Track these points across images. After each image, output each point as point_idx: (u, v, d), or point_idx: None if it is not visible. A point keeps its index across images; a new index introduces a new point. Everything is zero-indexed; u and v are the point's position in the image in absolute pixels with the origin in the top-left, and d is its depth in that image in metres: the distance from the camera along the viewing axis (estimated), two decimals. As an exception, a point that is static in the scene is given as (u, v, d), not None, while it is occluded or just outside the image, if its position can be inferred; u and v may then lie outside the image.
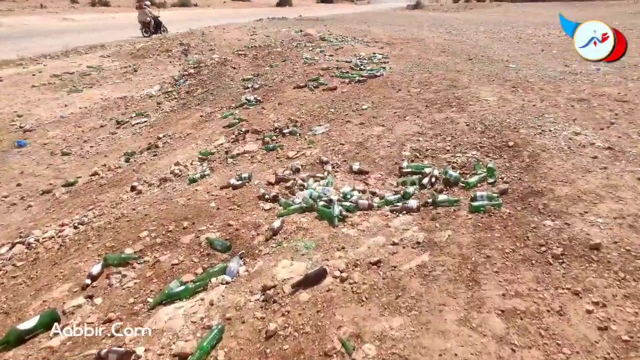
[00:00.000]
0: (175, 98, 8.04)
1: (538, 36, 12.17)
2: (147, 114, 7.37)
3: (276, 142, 4.75)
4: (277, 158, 4.37)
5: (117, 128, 6.98)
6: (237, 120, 5.70)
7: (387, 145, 4.18)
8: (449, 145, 3.96)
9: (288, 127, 5.08)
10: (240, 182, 3.80)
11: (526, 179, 3.11)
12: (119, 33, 16.35)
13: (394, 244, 2.49)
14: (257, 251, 2.65)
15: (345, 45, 10.65)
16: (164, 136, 6.05)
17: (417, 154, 3.91)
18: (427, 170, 3.50)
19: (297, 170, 3.94)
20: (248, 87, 7.36)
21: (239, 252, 2.66)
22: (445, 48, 9.95)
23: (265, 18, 19.76)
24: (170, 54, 12.19)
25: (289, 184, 3.66)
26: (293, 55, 9.22)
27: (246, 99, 6.63)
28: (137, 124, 6.95)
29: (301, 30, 13.88)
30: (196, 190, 3.81)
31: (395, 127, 4.56)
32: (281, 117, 5.53)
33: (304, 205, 3.15)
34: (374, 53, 9.40)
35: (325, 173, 3.78)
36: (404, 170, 3.60)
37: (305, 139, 4.69)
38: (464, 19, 20.65)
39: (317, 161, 4.04)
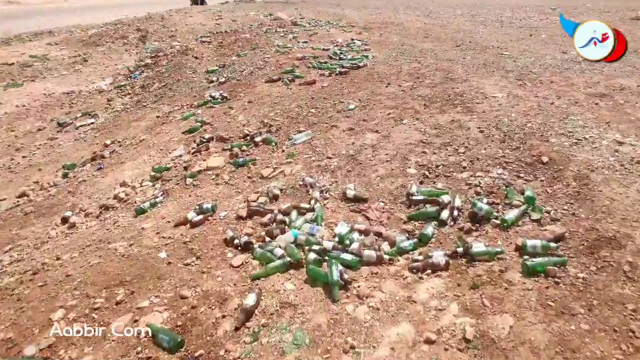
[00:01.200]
0: (129, 93, 6.89)
1: (519, 19, 11.46)
2: (94, 113, 6.22)
3: (247, 155, 3.81)
4: (249, 177, 3.43)
5: (57, 132, 5.83)
6: (200, 124, 4.69)
7: (385, 159, 3.31)
8: (465, 160, 3.12)
9: (261, 134, 4.12)
10: (200, 216, 2.86)
11: (583, 214, 2.31)
12: (71, 18, 14.72)
13: (430, 341, 1.63)
14: (222, 352, 1.73)
15: (319, 30, 9.63)
16: (112, 143, 4.98)
17: (426, 173, 3.06)
18: (444, 198, 2.65)
19: (275, 197, 3.02)
20: (213, 81, 6.30)
21: (195, 356, 1.74)
22: (427, 33, 9.09)
23: (231, 0, 18.32)
24: (126, 41, 10.86)
25: (265, 218, 2.74)
26: (263, 42, 8.15)
27: (210, 96, 5.61)
28: (81, 126, 5.81)
29: (271, 14, 12.72)
30: (143, 229, 2.84)
31: (392, 134, 3.69)
32: (252, 119, 4.57)
33: (287, 258, 2.26)
34: (352, 39, 8.44)
35: (312, 202, 2.88)
36: (414, 198, 2.74)
37: (283, 150, 3.76)
38: (437, 1, 19.80)
39: (300, 183, 3.14)
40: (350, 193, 2.90)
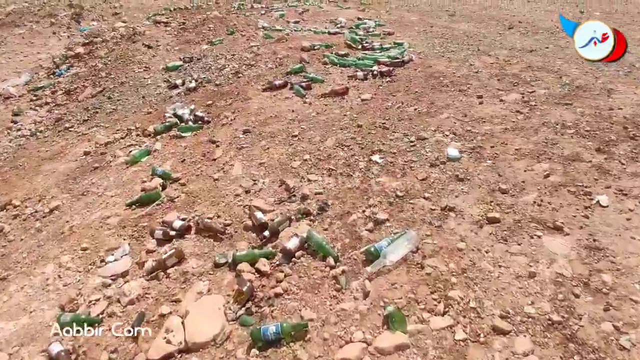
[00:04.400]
0: (47, 103, 4.38)
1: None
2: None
3: (273, 293, 1.61)
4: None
5: None
6: (160, 185, 2.43)
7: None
8: None
9: (291, 221, 1.94)
10: None
11: None
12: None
13: None
14: None
15: (308, 5, 7.28)
16: (-3, 213, 2.63)
17: None
18: None
19: None
20: (177, 86, 3.94)
21: None
22: (447, 8, 6.96)
23: None
24: (54, 20, 8.00)
25: None
26: (243, 23, 5.72)
27: (176, 116, 3.31)
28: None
29: (239, -14, 10.12)
30: None
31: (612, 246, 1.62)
32: (259, 173, 2.36)
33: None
34: (359, 18, 6.20)
35: None
36: None
37: (360, 291, 1.59)
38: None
39: None
40: None
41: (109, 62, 4.76)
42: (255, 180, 2.31)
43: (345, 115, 2.90)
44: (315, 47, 4.27)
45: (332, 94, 3.23)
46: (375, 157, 2.32)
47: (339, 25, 5.83)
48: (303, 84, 3.41)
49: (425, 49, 4.26)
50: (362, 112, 2.92)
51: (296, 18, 6.38)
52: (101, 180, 2.75)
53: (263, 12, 6.80)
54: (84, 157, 3.12)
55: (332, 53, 4.10)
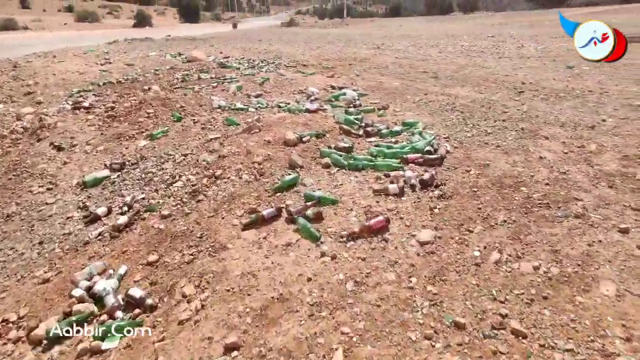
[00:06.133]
0: None
1: (490, 48, 9.13)
2: None
3: None
4: None
5: None
6: None
7: None
8: None
9: None
10: None
11: None
12: None
13: None
14: None
15: (266, 73, 6.15)
16: None
17: None
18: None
19: None
20: (97, 219, 2.43)
21: None
22: (420, 69, 6.10)
23: (121, 39, 13.56)
24: (-58, 106, 6.21)
25: None
26: (192, 102, 4.37)
27: (91, 294, 1.80)
28: None
29: (180, 54, 8.89)
30: None
31: None
32: None
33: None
34: (334, 87, 5.12)
35: None
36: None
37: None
38: (360, 32, 17.48)
39: None
40: None
41: (-6, 176, 3.15)
42: None
43: (410, 288, 1.57)
44: (304, 139, 2.99)
45: (366, 233, 1.90)
46: None
47: (312, 98, 4.68)
48: (309, 212, 2.06)
49: (449, 131, 3.14)
50: (440, 280, 1.60)
51: (257, 90, 5.17)
52: None
53: (214, 83, 5.53)
54: None
55: (330, 147, 2.83)
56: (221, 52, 9.36)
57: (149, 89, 5.38)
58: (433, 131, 3.14)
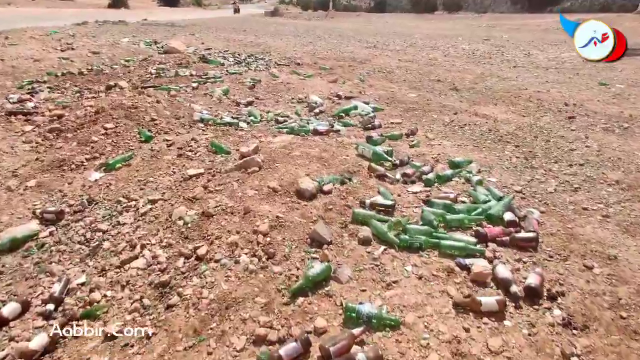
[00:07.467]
0: None
1: (494, 53, 8.41)
2: None
3: None
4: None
5: None
6: None
7: None
8: None
9: None
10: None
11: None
12: None
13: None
14: None
15: (252, 71, 5.19)
16: None
17: None
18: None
19: None
20: (20, 316, 1.47)
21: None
22: (432, 76, 5.28)
23: (91, 22, 11.81)
24: None
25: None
26: (166, 113, 3.36)
27: None
28: None
29: (157, 42, 7.75)
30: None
31: None
32: None
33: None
34: (339, 96, 4.24)
35: None
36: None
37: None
38: (348, 27, 16.50)
39: None
40: None
41: None
42: None
43: None
44: (325, 187, 2.08)
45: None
46: None
47: (316, 110, 3.77)
48: (360, 357, 1.17)
49: (515, 179, 2.30)
50: None
51: (247, 95, 4.24)
52: None
53: (195, 83, 4.53)
54: None
55: (365, 206, 1.94)
56: (203, 43, 8.25)
57: (115, 85, 4.34)
58: (495, 178, 2.30)
